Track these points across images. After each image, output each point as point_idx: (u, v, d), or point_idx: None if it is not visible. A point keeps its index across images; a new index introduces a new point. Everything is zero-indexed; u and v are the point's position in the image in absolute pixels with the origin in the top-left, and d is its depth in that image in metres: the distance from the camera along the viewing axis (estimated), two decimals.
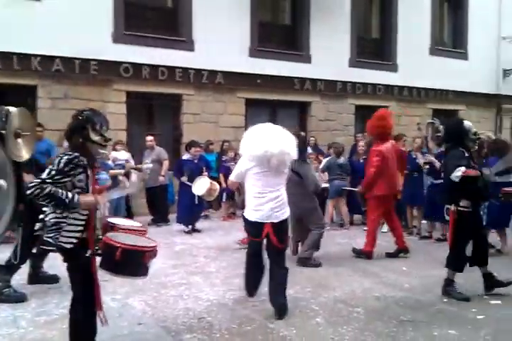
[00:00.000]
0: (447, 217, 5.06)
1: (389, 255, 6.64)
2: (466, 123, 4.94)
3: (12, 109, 4.48)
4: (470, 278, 5.02)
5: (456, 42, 15.10)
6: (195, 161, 8.46)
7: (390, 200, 6.73)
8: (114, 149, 8.75)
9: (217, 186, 7.94)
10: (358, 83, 12.86)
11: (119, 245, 3.13)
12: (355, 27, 12.87)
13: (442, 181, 7.41)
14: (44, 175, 3.05)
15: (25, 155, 4.55)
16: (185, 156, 8.61)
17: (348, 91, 12.79)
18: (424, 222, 8.21)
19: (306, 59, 12.10)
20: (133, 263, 3.22)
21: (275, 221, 4.45)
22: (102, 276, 3.35)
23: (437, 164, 7.46)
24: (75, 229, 3.13)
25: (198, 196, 7.94)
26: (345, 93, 12.78)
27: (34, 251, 4.89)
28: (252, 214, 4.51)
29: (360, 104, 12.74)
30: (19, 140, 4.53)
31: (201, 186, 7.76)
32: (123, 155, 8.93)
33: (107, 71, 9.71)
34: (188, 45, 10.59)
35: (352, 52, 12.82)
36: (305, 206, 6.11)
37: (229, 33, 10.87)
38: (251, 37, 11.35)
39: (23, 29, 8.74)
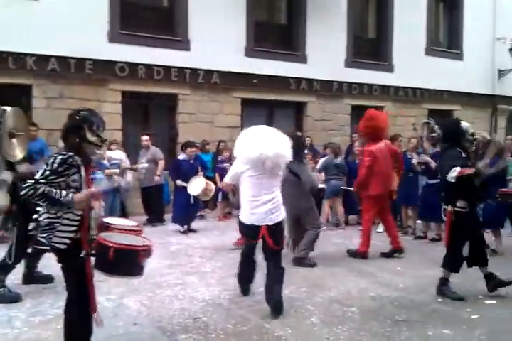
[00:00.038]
0: (445, 218, 5.06)
1: (384, 255, 6.66)
2: (463, 123, 4.96)
3: (7, 108, 4.47)
4: (465, 278, 5.04)
5: (451, 43, 15.16)
6: (191, 161, 8.44)
7: (384, 200, 6.75)
8: (109, 149, 8.73)
9: (213, 186, 7.94)
10: (354, 83, 12.88)
11: (111, 245, 3.11)
12: (351, 27, 12.89)
13: (438, 181, 7.54)
14: (38, 176, 3.05)
15: (18, 154, 4.55)
16: (181, 156, 8.59)
17: (344, 91, 12.80)
18: (418, 222, 8.24)
19: (302, 59, 12.11)
20: (127, 262, 3.20)
21: (270, 223, 4.46)
22: (97, 276, 3.34)
23: (432, 164, 7.48)
24: (68, 229, 3.12)
25: (194, 196, 7.94)
26: (341, 93, 12.80)
27: (29, 251, 4.87)
28: (247, 217, 4.52)
29: (356, 104, 12.76)
30: (13, 140, 4.53)
31: (197, 186, 7.76)
32: (118, 154, 8.91)
33: (103, 70, 9.68)
34: (183, 44, 10.58)
35: (348, 52, 12.84)
36: (301, 206, 6.13)
37: (225, 33, 10.87)
38: (247, 36, 11.34)
39: (18, 28, 8.70)
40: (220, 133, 10.82)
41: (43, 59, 9.11)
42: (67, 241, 3.11)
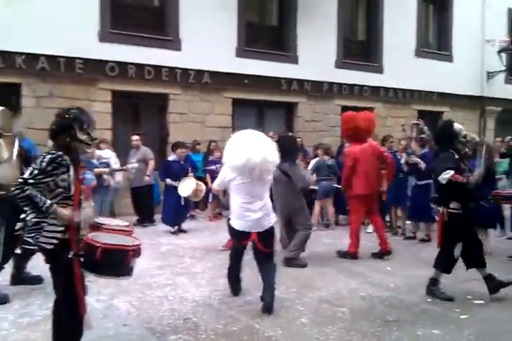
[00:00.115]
0: (437, 218, 5.08)
1: (374, 255, 6.68)
2: (456, 125, 4.97)
3: None
4: (454, 279, 5.07)
5: (441, 45, 15.27)
6: (181, 162, 8.41)
7: (371, 200, 6.76)
8: (98, 148, 8.68)
9: (203, 187, 7.91)
10: (344, 84, 12.94)
11: (98, 245, 3.08)
12: (341, 28, 12.94)
13: (427, 182, 7.60)
14: (26, 175, 3.01)
15: (5, 154, 4.52)
16: (171, 157, 8.56)
17: (334, 92, 12.85)
18: (408, 222, 8.28)
19: (293, 60, 12.13)
20: (115, 263, 3.16)
21: (261, 230, 4.51)
22: (86, 277, 3.31)
23: (422, 165, 7.53)
24: (55, 229, 3.09)
25: (184, 197, 7.91)
26: (332, 94, 12.84)
27: (18, 251, 4.82)
28: (237, 223, 4.56)
29: (346, 105, 12.77)
30: (0, 140, 4.49)
31: (187, 187, 7.72)
32: (107, 153, 8.86)
33: (93, 70, 9.63)
34: (174, 44, 10.55)
35: (338, 53, 12.89)
36: (293, 206, 6.16)
37: (216, 33, 10.86)
38: (238, 37, 11.34)
39: (7, 27, 8.62)
40: (211, 133, 10.80)
41: (32, 58, 9.04)
42: (55, 241, 3.08)
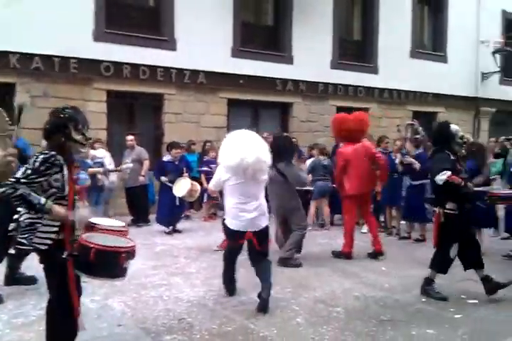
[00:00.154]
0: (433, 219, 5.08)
1: (370, 255, 6.68)
2: (453, 126, 4.98)
3: None
4: (448, 278, 5.08)
5: (435, 46, 15.33)
6: (176, 163, 8.40)
7: (364, 201, 6.77)
8: (93, 147, 8.66)
9: (198, 187, 7.90)
10: (340, 85, 12.97)
11: (92, 246, 3.04)
12: (337, 29, 12.97)
13: (422, 182, 7.63)
14: (19, 175, 2.98)
15: None
16: (166, 157, 8.55)
17: (329, 92, 12.87)
18: (403, 222, 8.30)
19: (288, 60, 12.14)
20: (108, 264, 3.12)
21: (256, 230, 4.55)
22: (81, 278, 3.30)
23: (416, 165, 7.56)
24: (50, 229, 3.07)
25: (179, 197, 7.90)
26: (327, 94, 12.86)
27: (12, 252, 4.80)
28: (232, 223, 4.59)
29: (341, 105, 12.81)
30: None
31: (182, 187, 7.71)
32: (101, 153, 8.85)
33: (88, 69, 9.60)
34: (170, 44, 10.54)
35: (334, 53, 12.91)
36: (288, 206, 6.18)
37: (211, 33, 10.85)
38: (233, 37, 11.34)
39: (1, 27, 8.57)
40: (206, 133, 10.79)
41: (26, 57, 9.01)
42: (49, 241, 3.06)
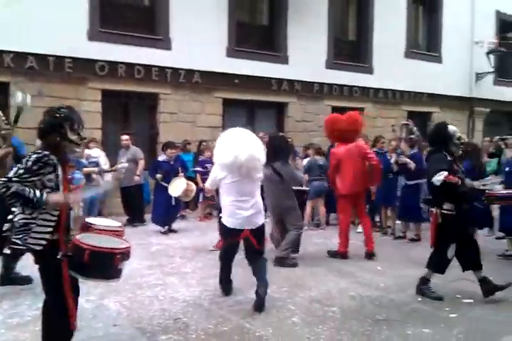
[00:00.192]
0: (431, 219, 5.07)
1: (365, 255, 6.68)
2: (451, 127, 4.98)
3: None
4: (443, 278, 5.09)
5: (430, 46, 15.39)
6: (171, 162, 8.38)
7: (357, 200, 6.75)
8: (87, 147, 8.63)
9: (194, 187, 7.89)
10: (335, 84, 12.99)
11: (86, 247, 3.02)
12: (332, 29, 12.98)
13: (417, 182, 7.65)
14: (11, 174, 2.96)
15: None
16: (161, 157, 8.53)
17: (324, 92, 12.89)
18: (398, 222, 8.32)
19: (284, 60, 12.15)
20: (103, 265, 3.10)
21: (253, 228, 4.56)
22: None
23: (411, 165, 7.58)
24: (44, 230, 3.05)
25: (175, 197, 7.88)
26: (322, 94, 12.88)
27: (8, 251, 4.77)
28: (229, 221, 4.60)
29: (336, 105, 12.83)
30: None
31: (177, 187, 7.69)
32: (96, 152, 8.82)
33: (82, 69, 9.56)
34: (165, 43, 10.52)
35: (329, 53, 12.93)
36: (284, 205, 6.18)
37: (207, 33, 10.84)
38: (229, 37, 11.33)
39: None
40: (202, 133, 10.78)
41: (20, 56, 8.96)
42: (43, 242, 3.04)
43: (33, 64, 9.10)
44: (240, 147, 4.39)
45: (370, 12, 13.70)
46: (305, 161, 9.22)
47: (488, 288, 4.79)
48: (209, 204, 9.57)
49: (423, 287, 4.94)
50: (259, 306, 4.43)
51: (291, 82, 12.23)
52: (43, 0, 9.07)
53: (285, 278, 5.58)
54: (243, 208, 4.53)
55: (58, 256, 3.06)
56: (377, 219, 8.92)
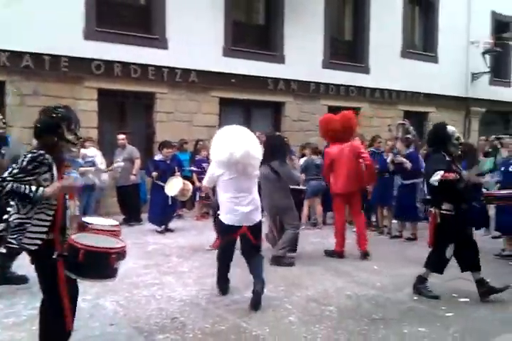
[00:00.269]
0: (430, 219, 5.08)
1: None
2: (450, 128, 4.99)
3: None
4: (439, 277, 5.10)
5: (426, 46, 15.43)
6: (168, 162, 8.37)
7: (352, 199, 6.73)
8: (83, 146, 8.61)
9: (190, 186, 7.89)
10: (331, 84, 13.00)
11: (80, 246, 3.01)
12: (328, 28, 12.99)
13: (413, 182, 7.67)
14: (5, 174, 2.96)
15: None
16: (157, 157, 8.52)
17: (321, 92, 12.90)
18: (394, 221, 8.34)
19: (280, 59, 12.15)
20: (98, 265, 3.09)
21: (251, 224, 4.59)
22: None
23: (408, 165, 7.59)
24: (39, 230, 3.04)
25: (172, 196, 7.87)
26: (318, 94, 12.88)
27: (3, 251, 4.75)
28: (227, 218, 4.61)
29: (333, 105, 12.84)
30: None
31: (174, 186, 7.69)
32: (92, 152, 8.80)
33: (78, 68, 9.52)
34: (161, 43, 10.50)
35: (325, 53, 12.94)
36: (281, 205, 6.20)
37: (203, 32, 10.83)
38: (225, 36, 11.32)
39: None
40: (198, 132, 10.77)
41: (16, 55, 8.92)
42: (39, 241, 3.03)
43: (29, 63, 9.06)
44: (235, 144, 4.41)
45: (366, 12, 13.72)
46: (302, 161, 9.22)
47: (485, 289, 4.79)
48: (204, 204, 9.54)
49: (420, 286, 4.95)
50: (255, 304, 4.44)
51: (287, 81, 12.23)
52: None
53: (282, 277, 5.58)
54: (241, 204, 4.54)
55: (54, 256, 3.05)
56: (373, 218, 8.94)
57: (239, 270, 5.03)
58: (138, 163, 9.06)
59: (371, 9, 13.73)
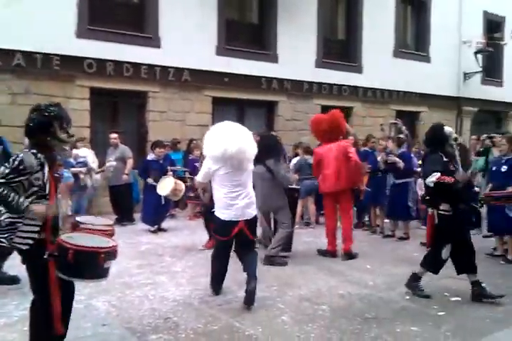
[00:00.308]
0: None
1: (355, 254, 6.68)
2: (447, 128, 5.01)
3: None
4: (431, 276, 5.11)
5: (419, 46, 15.50)
6: (160, 161, 8.35)
7: (341, 198, 6.71)
8: (75, 147, 8.56)
9: (183, 186, 7.85)
10: (324, 83, 13.02)
11: (69, 246, 2.98)
12: (321, 28, 13.01)
13: (405, 181, 7.70)
14: None
15: None
16: (150, 156, 8.49)
17: (314, 91, 12.92)
18: (386, 220, 8.37)
19: (273, 58, 12.15)
20: (88, 265, 3.05)
21: (248, 218, 4.60)
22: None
23: (400, 164, 7.62)
24: (31, 229, 3.02)
25: (164, 196, 7.85)
26: (311, 93, 12.90)
27: None
28: (224, 213, 4.60)
29: (326, 104, 12.85)
30: None
31: (166, 186, 7.65)
32: (84, 152, 8.76)
33: (70, 66, 9.47)
34: (154, 41, 10.46)
35: (318, 52, 12.96)
36: (274, 204, 6.22)
37: (196, 31, 10.81)
38: (218, 35, 11.31)
39: None
40: (191, 131, 10.74)
41: (7, 54, 8.86)
42: (30, 241, 3.01)
43: (20, 61, 8.99)
44: (229, 139, 4.43)
45: (359, 11, 13.76)
46: (294, 160, 9.22)
47: (479, 292, 4.79)
48: (192, 204, 9.42)
49: (413, 284, 4.96)
50: (249, 301, 4.43)
51: (280, 80, 12.24)
52: None
53: (275, 276, 5.58)
54: (237, 199, 4.56)
55: (44, 256, 3.02)
56: (366, 218, 8.97)
57: (231, 270, 5.02)
58: (130, 162, 9.01)
59: (364, 9, 13.77)
